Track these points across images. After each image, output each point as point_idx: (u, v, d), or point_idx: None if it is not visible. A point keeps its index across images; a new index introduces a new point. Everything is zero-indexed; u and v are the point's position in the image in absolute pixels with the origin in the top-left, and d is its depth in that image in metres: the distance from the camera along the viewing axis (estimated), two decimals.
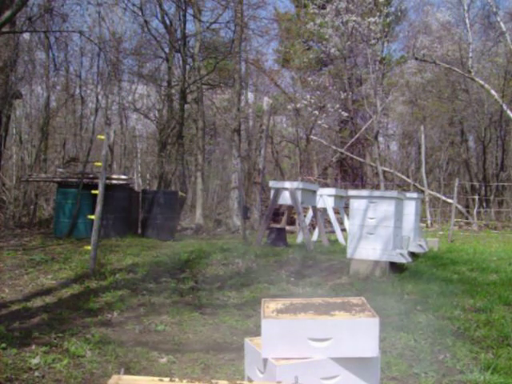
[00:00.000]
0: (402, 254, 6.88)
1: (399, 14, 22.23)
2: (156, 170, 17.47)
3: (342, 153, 21.22)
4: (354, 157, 21.57)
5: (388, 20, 19.32)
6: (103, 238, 8.65)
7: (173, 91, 16.25)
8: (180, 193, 12.25)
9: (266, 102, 24.71)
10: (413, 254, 7.91)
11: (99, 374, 3.08)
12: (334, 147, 21.48)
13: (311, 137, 19.98)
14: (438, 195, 20.18)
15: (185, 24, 15.22)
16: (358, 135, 20.00)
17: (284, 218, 10.96)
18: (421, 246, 8.45)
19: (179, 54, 15.57)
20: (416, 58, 19.39)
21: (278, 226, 10.14)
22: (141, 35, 17.02)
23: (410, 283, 6.16)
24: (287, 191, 9.12)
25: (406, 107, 24.48)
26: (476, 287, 6.06)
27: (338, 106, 19.58)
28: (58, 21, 14.78)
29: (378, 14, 16.89)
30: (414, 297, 5.53)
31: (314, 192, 9.90)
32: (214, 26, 16.58)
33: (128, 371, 3.06)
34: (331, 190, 11.13)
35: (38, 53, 16.13)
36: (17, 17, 10.16)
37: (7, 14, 5.35)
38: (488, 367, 3.28)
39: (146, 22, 15.35)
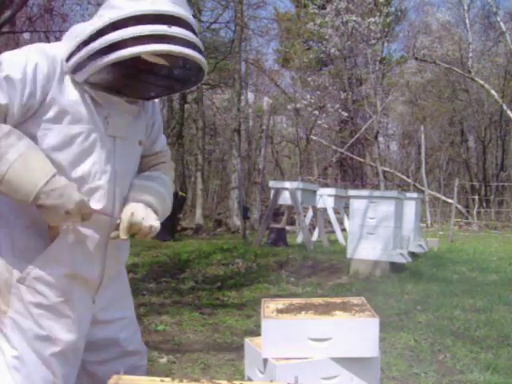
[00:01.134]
0: (402, 254, 6.88)
1: (399, 13, 22.23)
2: None
3: (342, 153, 21.22)
4: (354, 157, 21.58)
5: (388, 20, 19.30)
6: None
7: None
8: (180, 193, 12.24)
9: (266, 101, 24.71)
10: (413, 254, 7.90)
11: None
12: (334, 147, 21.49)
13: (311, 137, 19.99)
14: (438, 195, 20.18)
15: None
16: (358, 135, 20.00)
17: (284, 218, 10.95)
18: (421, 246, 8.45)
19: None
20: (416, 58, 19.39)
21: (278, 226, 10.14)
22: None
23: (409, 283, 6.16)
24: (287, 191, 9.12)
25: (406, 107, 24.49)
26: (476, 287, 6.06)
27: (337, 105, 19.58)
28: (58, 21, 14.78)
29: (378, 13, 16.87)
30: (413, 297, 5.53)
31: (314, 192, 9.90)
32: (214, 26, 16.61)
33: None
34: (331, 190, 11.13)
35: None
36: (17, 17, 10.17)
37: (7, 14, 5.36)
38: (488, 367, 3.28)
39: None
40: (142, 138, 1.64)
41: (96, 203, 1.47)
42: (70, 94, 1.44)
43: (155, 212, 1.60)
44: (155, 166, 1.75)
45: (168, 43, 1.33)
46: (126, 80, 1.50)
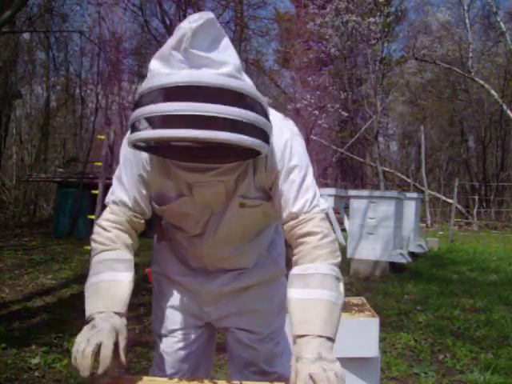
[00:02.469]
0: (402, 254, 6.88)
1: (399, 14, 22.19)
2: None
3: (342, 153, 21.21)
4: (354, 157, 21.57)
5: (388, 20, 19.28)
6: None
7: None
8: None
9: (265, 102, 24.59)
10: (413, 254, 7.90)
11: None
12: (334, 147, 21.47)
13: (311, 137, 19.97)
14: (438, 195, 20.17)
15: None
16: (358, 135, 20.00)
17: None
18: (421, 246, 8.45)
19: None
20: (416, 58, 19.37)
21: None
22: (141, 35, 17.03)
23: (409, 283, 6.16)
24: None
25: (406, 107, 24.48)
26: (476, 287, 6.07)
27: (337, 105, 19.55)
28: (58, 21, 14.79)
29: (378, 13, 16.86)
30: (413, 297, 5.54)
31: None
32: None
33: (128, 371, 3.06)
34: (331, 190, 11.12)
35: (38, 53, 16.15)
36: (17, 17, 10.16)
37: (7, 14, 5.35)
38: (488, 367, 3.28)
39: (146, 21, 15.36)
40: (246, 201, 1.41)
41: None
42: (151, 167, 1.42)
43: (329, 338, 1.27)
44: (302, 239, 1.36)
45: (167, 127, 1.11)
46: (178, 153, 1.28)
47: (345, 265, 7.17)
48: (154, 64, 1.20)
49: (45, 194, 14.68)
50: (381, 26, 17.15)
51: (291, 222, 1.37)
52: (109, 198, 1.51)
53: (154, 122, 1.15)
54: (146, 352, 3.45)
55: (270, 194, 1.41)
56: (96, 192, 6.48)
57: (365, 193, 7.44)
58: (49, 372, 3.08)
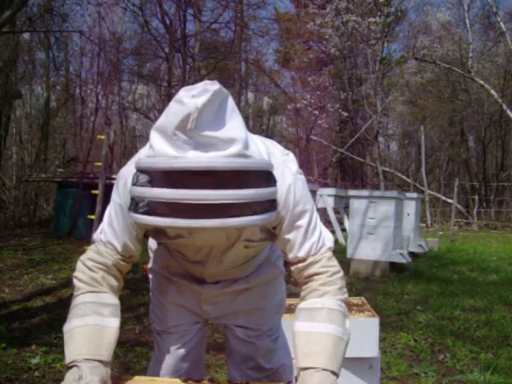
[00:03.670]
0: (402, 254, 6.88)
1: (399, 14, 22.18)
2: None
3: (342, 153, 21.20)
4: (354, 157, 21.56)
5: (388, 20, 19.28)
6: None
7: (173, 91, 16.23)
8: None
9: (266, 102, 24.70)
10: (413, 254, 7.90)
11: None
12: (334, 147, 21.47)
13: (311, 137, 19.97)
14: (438, 195, 20.16)
15: (185, 24, 15.20)
16: (358, 135, 20.00)
17: None
18: (421, 246, 8.45)
19: (179, 54, 15.56)
20: (416, 58, 19.36)
21: None
22: (141, 35, 17.03)
23: (409, 283, 6.16)
24: None
25: (406, 107, 24.46)
26: (476, 287, 6.07)
27: (337, 105, 19.55)
28: (58, 21, 14.78)
29: (378, 13, 16.85)
30: (413, 297, 5.54)
31: (314, 192, 9.88)
32: (214, 25, 16.56)
33: (128, 371, 3.06)
34: (331, 190, 11.11)
35: (37, 53, 16.14)
36: (17, 17, 10.16)
37: (7, 13, 5.35)
38: (488, 367, 3.28)
39: (146, 21, 15.34)
40: (250, 243, 1.44)
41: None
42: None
43: (333, 373, 1.26)
44: (310, 278, 1.40)
45: (179, 216, 1.06)
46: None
47: (345, 265, 7.18)
48: (156, 140, 1.12)
49: (45, 194, 14.67)
50: (381, 26, 17.15)
51: (299, 265, 1.39)
52: (97, 235, 1.44)
53: (161, 206, 1.09)
54: (145, 352, 3.45)
55: (274, 233, 1.40)
56: (96, 192, 6.47)
57: (365, 193, 7.45)
58: (49, 372, 3.08)
